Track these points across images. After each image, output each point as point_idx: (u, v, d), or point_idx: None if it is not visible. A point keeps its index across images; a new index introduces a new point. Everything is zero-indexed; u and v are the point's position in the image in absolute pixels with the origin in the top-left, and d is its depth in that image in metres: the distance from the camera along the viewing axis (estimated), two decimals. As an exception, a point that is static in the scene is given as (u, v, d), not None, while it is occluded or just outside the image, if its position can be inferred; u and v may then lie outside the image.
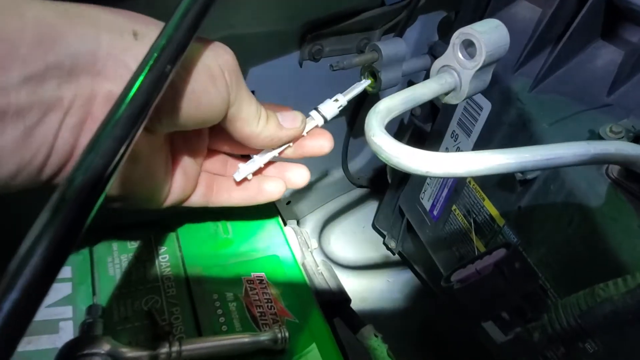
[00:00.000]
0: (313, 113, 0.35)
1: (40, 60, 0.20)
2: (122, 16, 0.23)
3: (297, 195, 0.73)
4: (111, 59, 0.22)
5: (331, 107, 0.35)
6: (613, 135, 0.34)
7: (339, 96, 0.36)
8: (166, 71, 0.20)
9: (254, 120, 0.29)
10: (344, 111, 0.68)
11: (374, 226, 0.75)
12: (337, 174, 0.75)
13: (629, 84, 0.39)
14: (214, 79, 0.25)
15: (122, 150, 0.17)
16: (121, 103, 0.18)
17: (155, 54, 0.20)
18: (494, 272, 0.25)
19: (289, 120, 0.32)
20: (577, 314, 0.23)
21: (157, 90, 0.19)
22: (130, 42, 0.23)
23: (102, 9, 0.23)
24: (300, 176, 0.37)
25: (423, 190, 0.58)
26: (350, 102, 0.66)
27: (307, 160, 0.70)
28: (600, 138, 0.35)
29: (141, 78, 0.19)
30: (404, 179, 0.63)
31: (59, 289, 0.33)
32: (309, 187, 0.74)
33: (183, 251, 0.38)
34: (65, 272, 0.34)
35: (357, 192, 0.80)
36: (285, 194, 0.71)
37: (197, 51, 0.25)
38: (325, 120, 0.35)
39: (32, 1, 0.20)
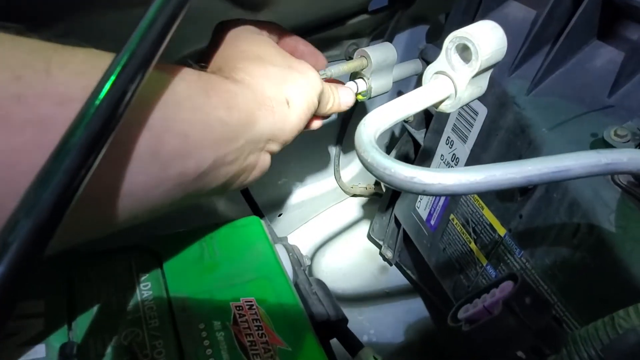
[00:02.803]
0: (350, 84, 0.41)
1: (243, 138, 0.27)
2: (278, 91, 0.30)
3: (289, 207, 0.71)
4: (279, 130, 0.30)
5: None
6: (618, 139, 0.32)
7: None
8: (127, 91, 0.18)
9: (325, 107, 0.36)
10: (334, 119, 0.66)
11: (369, 236, 0.73)
12: (330, 183, 0.73)
13: (631, 84, 0.37)
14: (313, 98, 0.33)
15: (75, 183, 0.15)
16: (75, 129, 0.16)
17: (117, 70, 0.18)
18: (504, 311, 0.23)
19: (346, 97, 0.39)
20: (599, 347, 0.21)
21: (117, 112, 0.17)
22: (287, 111, 0.30)
23: (265, 87, 0.29)
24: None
25: (419, 199, 0.56)
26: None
27: (300, 169, 0.68)
28: (604, 142, 0.33)
29: (99, 99, 0.17)
30: (398, 188, 0.61)
31: (31, 326, 0.31)
32: (300, 198, 0.71)
33: (166, 277, 0.35)
34: (38, 306, 0.32)
35: (351, 202, 0.78)
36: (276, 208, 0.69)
37: (298, 80, 0.31)
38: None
39: (236, 92, 0.27)
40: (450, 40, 0.27)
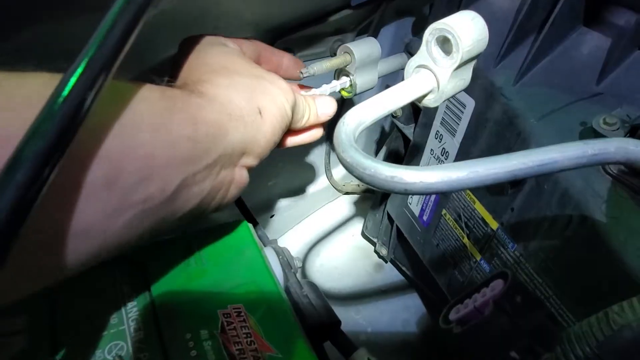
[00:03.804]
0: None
1: (214, 152, 0.26)
2: (247, 100, 0.28)
3: (281, 208, 0.70)
4: (252, 142, 0.28)
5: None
6: (607, 127, 0.32)
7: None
8: (86, 99, 0.17)
9: (301, 120, 0.34)
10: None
11: (363, 234, 0.72)
12: (322, 182, 0.73)
13: (619, 70, 0.36)
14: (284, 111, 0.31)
15: (25, 204, 0.14)
16: (30, 138, 0.15)
17: (73, 80, 0.17)
18: (495, 311, 0.22)
19: (325, 107, 0.36)
20: (594, 344, 0.20)
21: (74, 121, 0.16)
22: (260, 122, 0.29)
23: (233, 97, 0.28)
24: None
25: (411, 195, 0.55)
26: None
27: (290, 169, 0.67)
28: (593, 131, 0.33)
29: (57, 105, 0.16)
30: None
31: (13, 344, 0.30)
32: (293, 198, 0.71)
33: (152, 287, 0.34)
34: (20, 322, 0.31)
35: (344, 200, 0.77)
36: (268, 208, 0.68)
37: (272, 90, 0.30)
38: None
39: (203, 105, 0.26)
40: (430, 33, 0.26)
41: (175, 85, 0.28)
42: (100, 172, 0.19)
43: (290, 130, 0.34)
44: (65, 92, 0.17)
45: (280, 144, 0.36)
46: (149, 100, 0.23)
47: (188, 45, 0.31)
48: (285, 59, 0.37)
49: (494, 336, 0.23)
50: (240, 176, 0.30)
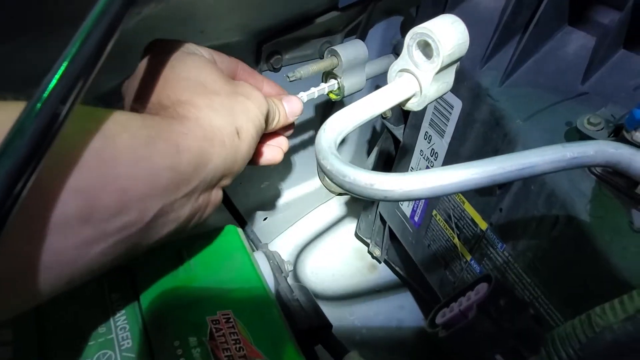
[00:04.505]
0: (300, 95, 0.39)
1: (195, 180, 0.26)
2: (228, 123, 0.28)
3: (274, 210, 0.70)
4: (231, 166, 0.28)
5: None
6: (592, 127, 0.32)
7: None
8: (58, 113, 0.17)
9: (272, 123, 0.34)
10: (313, 119, 0.65)
11: (356, 235, 0.72)
12: (314, 183, 0.72)
13: (604, 69, 0.36)
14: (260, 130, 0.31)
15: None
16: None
17: (45, 94, 0.17)
18: (478, 314, 0.22)
19: (292, 108, 0.36)
20: (577, 346, 0.21)
21: (46, 138, 0.16)
22: (238, 143, 0.28)
23: (214, 120, 0.27)
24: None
25: (402, 196, 0.55)
26: (318, 108, 0.64)
27: (283, 171, 0.67)
28: (578, 131, 0.33)
29: (29, 120, 0.16)
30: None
31: (-1, 355, 0.30)
32: (285, 201, 0.70)
33: (140, 294, 0.34)
34: (5, 334, 0.31)
35: (337, 201, 0.77)
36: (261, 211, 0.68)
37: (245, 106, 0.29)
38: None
39: (185, 132, 0.25)
40: (411, 37, 0.26)
41: (151, 104, 0.27)
42: (74, 205, 0.19)
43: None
44: (45, 94, 0.16)
45: (252, 161, 0.36)
46: (129, 131, 0.22)
47: (157, 52, 0.29)
48: (266, 86, 0.37)
49: (477, 339, 0.23)
50: (216, 197, 0.30)
